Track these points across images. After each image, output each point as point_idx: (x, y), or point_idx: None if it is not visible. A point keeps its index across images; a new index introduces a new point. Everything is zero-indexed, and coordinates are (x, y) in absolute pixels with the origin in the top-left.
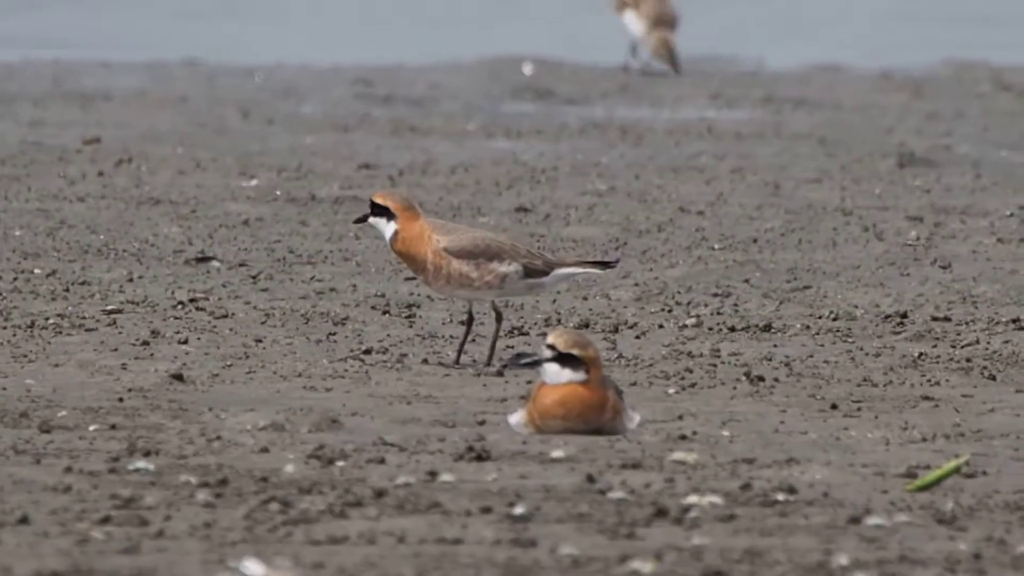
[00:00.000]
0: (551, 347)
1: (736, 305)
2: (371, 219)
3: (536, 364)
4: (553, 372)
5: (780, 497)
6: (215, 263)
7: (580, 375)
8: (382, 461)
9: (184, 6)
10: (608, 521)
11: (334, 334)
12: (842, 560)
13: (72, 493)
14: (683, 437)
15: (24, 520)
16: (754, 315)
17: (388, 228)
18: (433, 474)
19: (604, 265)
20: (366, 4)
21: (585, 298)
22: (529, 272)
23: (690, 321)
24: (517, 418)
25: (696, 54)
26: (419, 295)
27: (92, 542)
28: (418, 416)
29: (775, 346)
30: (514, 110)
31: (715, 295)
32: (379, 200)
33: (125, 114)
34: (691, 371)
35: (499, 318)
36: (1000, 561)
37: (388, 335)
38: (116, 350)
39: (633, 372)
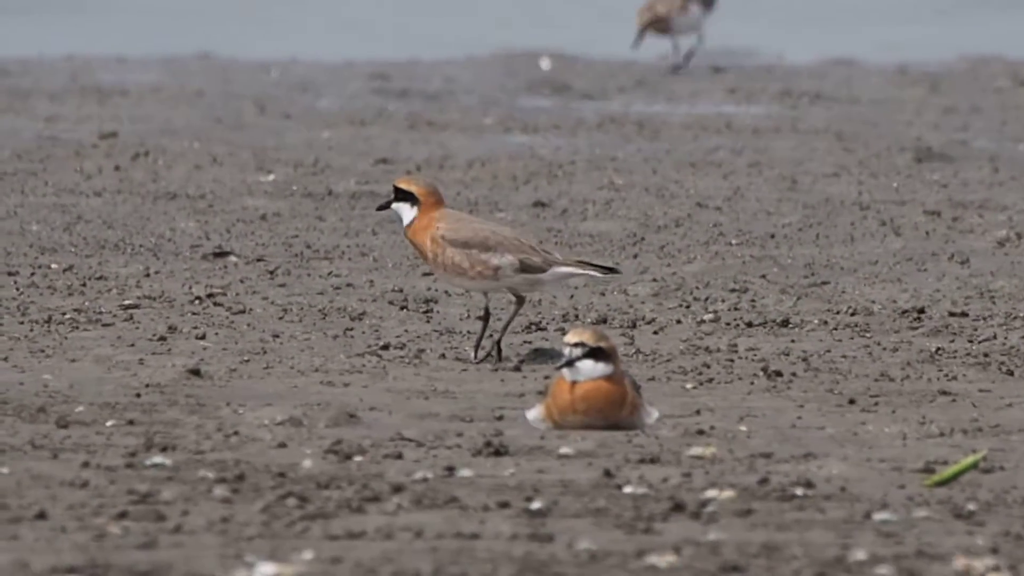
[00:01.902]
0: (580, 344)
1: (753, 300)
2: (394, 205)
3: (570, 364)
4: (588, 368)
5: (798, 492)
6: (232, 258)
7: (610, 368)
8: (399, 456)
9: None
10: (625, 516)
11: (351, 329)
12: (859, 555)
13: (89, 488)
14: (701, 432)
15: (41, 515)
16: (771, 310)
17: (409, 214)
18: (451, 469)
19: (607, 270)
20: None
21: (603, 293)
22: (525, 267)
23: (708, 316)
24: (535, 413)
25: (713, 48)
26: (436, 290)
27: (109, 537)
28: (436, 411)
29: (792, 341)
30: (531, 104)
31: (732, 290)
32: (403, 185)
33: (141, 109)
34: (709, 366)
35: (520, 301)
36: (1018, 556)
37: (406, 330)
38: (133, 345)
39: (651, 367)
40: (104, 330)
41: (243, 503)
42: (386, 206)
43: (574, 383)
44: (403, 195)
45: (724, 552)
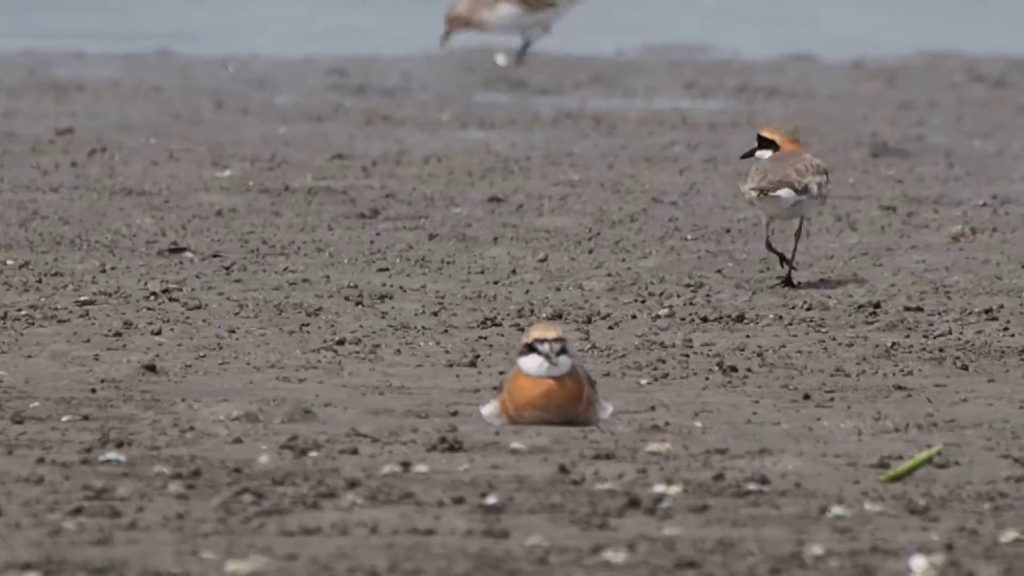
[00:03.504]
0: (559, 339)
1: (709, 295)
2: (757, 152)
3: (552, 359)
4: (565, 363)
5: (752, 488)
6: (188, 254)
7: (571, 361)
8: (355, 452)
9: None
10: (581, 511)
11: (307, 325)
12: (815, 550)
13: (44, 484)
14: (656, 428)
15: None
16: (727, 305)
17: None
18: (406, 465)
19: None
20: None
21: (558, 289)
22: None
23: (663, 312)
24: (490, 409)
25: (669, 43)
26: (392, 286)
27: (64, 533)
28: (391, 407)
29: (748, 336)
30: (487, 100)
31: (688, 285)
32: (766, 134)
33: (98, 104)
34: (664, 362)
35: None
36: (972, 551)
37: (361, 326)
38: (89, 341)
39: (606, 363)
40: (60, 326)
41: (199, 499)
42: (750, 154)
43: (536, 379)
44: (766, 143)
45: (679, 548)
